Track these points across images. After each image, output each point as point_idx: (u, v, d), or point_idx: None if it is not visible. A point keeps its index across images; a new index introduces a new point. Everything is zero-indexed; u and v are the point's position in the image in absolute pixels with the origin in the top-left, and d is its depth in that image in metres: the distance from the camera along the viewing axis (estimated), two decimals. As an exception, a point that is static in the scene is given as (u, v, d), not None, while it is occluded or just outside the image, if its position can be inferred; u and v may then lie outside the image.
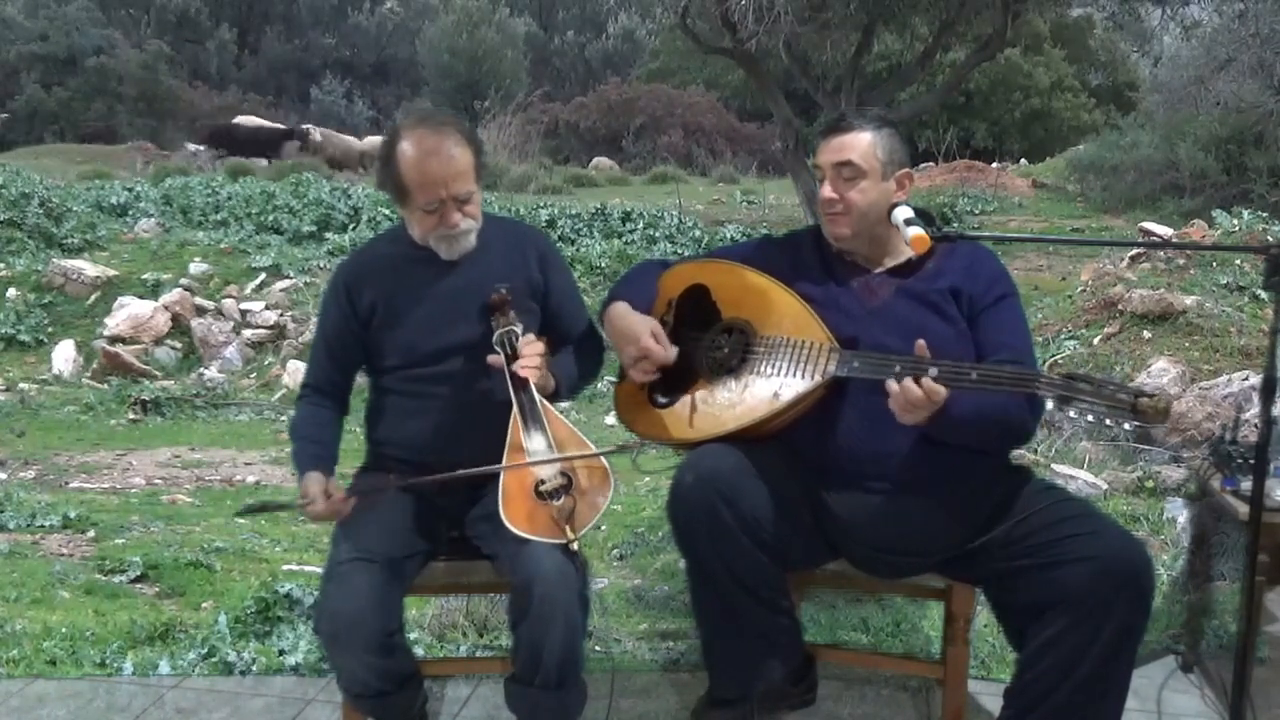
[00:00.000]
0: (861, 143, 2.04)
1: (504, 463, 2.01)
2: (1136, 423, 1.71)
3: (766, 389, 2.04)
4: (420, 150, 2.05)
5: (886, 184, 2.06)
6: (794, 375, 2.02)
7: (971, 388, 1.83)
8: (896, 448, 1.99)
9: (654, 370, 2.13)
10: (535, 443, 2.01)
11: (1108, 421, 1.72)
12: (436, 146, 2.04)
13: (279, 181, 11.71)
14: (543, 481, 1.98)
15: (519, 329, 2.10)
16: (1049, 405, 1.91)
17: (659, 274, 2.29)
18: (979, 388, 1.82)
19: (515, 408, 2.04)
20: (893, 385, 1.84)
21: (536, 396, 2.05)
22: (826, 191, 2.08)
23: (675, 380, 2.16)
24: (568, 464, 2.01)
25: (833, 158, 2.07)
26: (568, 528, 1.92)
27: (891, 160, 2.06)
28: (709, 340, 2.16)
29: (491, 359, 2.08)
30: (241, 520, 4.28)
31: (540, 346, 2.10)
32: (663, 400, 2.16)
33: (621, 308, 2.17)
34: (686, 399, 2.13)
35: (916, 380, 1.81)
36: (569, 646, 1.92)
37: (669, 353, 2.11)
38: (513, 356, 2.07)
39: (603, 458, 2.02)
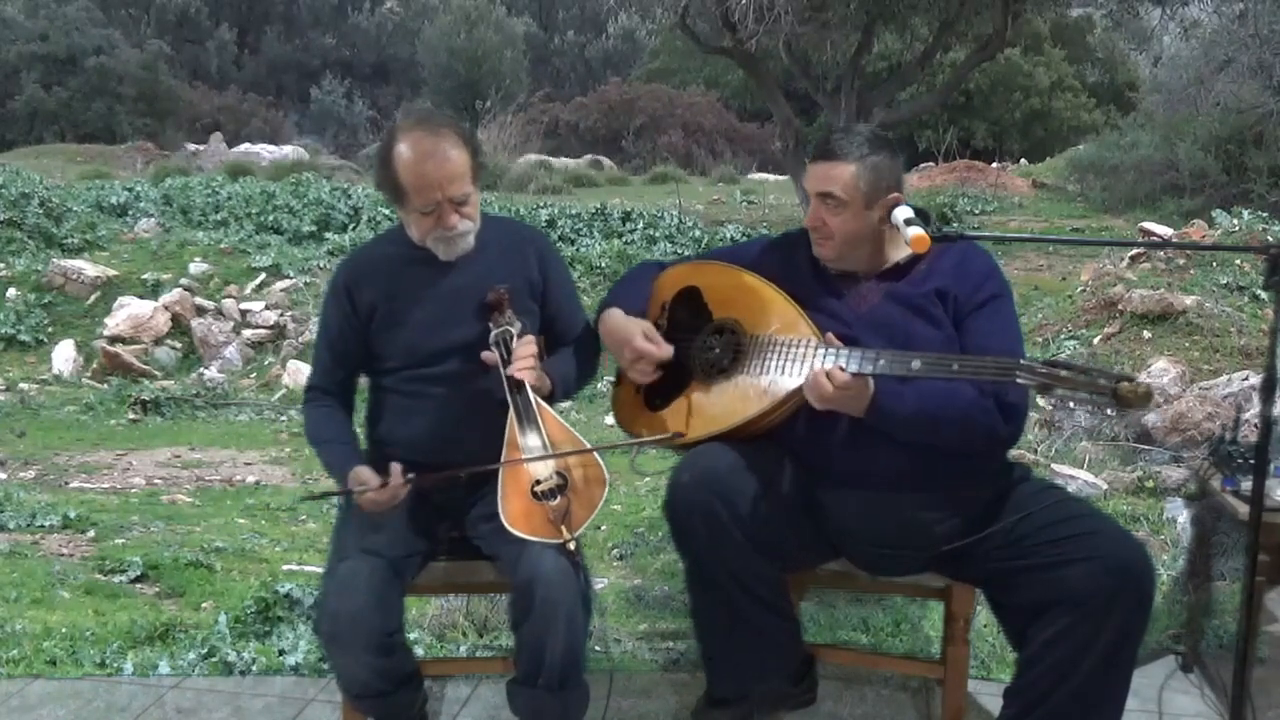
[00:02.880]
0: (844, 175, 2.03)
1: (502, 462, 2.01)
2: (1119, 408, 1.71)
3: (757, 387, 2.05)
4: (417, 152, 2.05)
5: (870, 212, 2.05)
6: (783, 373, 2.03)
7: (954, 378, 1.84)
8: (889, 444, 1.99)
9: (653, 370, 2.14)
10: (531, 443, 2.02)
11: (1090, 408, 1.72)
12: (433, 149, 2.04)
13: (279, 181, 11.70)
14: (538, 481, 1.99)
15: (515, 329, 2.10)
16: (1044, 404, 1.91)
17: (654, 277, 2.30)
18: (961, 378, 1.84)
19: (511, 408, 2.05)
20: (806, 378, 1.91)
21: (532, 397, 2.05)
22: (809, 219, 2.10)
23: (669, 382, 2.17)
24: (563, 464, 2.01)
25: (816, 187, 2.08)
26: (563, 528, 1.93)
27: (876, 189, 2.04)
28: (701, 341, 2.17)
29: (485, 355, 2.08)
30: (242, 520, 4.29)
31: (534, 347, 2.10)
32: (658, 402, 2.18)
33: (614, 313, 2.18)
34: (681, 400, 2.14)
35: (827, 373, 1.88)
36: (571, 647, 1.93)
37: (664, 350, 2.12)
38: (508, 356, 2.07)
39: (600, 459, 2.03)
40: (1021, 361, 1.78)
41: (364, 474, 2.01)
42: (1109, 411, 1.73)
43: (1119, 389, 1.66)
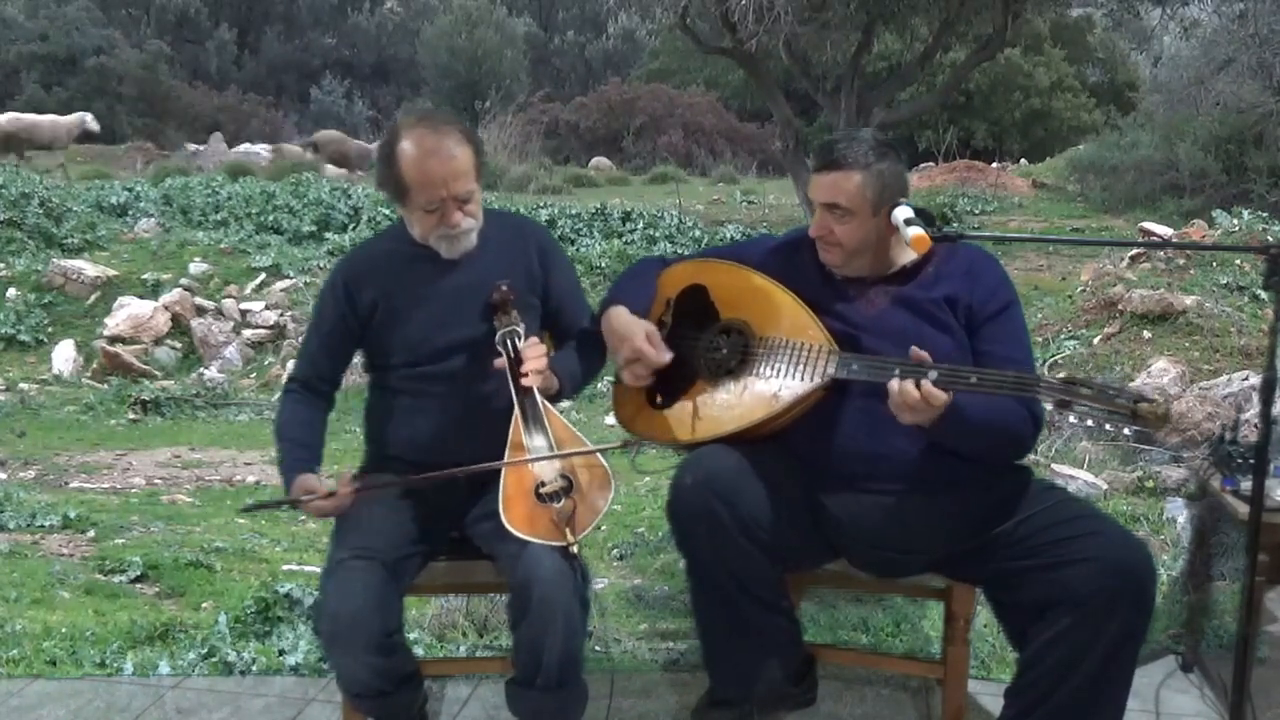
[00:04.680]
0: (850, 185, 2.02)
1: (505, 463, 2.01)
2: (1137, 428, 1.72)
3: (765, 390, 2.04)
4: (421, 150, 2.04)
5: (877, 219, 2.05)
6: (793, 377, 2.02)
7: (970, 391, 1.83)
8: (895, 450, 1.99)
9: (647, 374, 2.13)
10: (536, 444, 2.02)
11: (1107, 425, 1.73)
12: (437, 146, 2.04)
13: (279, 181, 11.70)
14: (543, 484, 1.98)
15: (521, 328, 2.10)
16: (1049, 407, 1.91)
17: (657, 273, 2.29)
18: (978, 391, 1.83)
19: (517, 409, 2.04)
20: (892, 384, 1.85)
21: (539, 398, 2.05)
22: (815, 229, 2.09)
23: (674, 381, 2.16)
24: (568, 466, 2.01)
25: (821, 197, 2.06)
26: (568, 530, 1.92)
27: (882, 197, 2.03)
28: (707, 341, 2.16)
29: (498, 362, 2.08)
30: (242, 520, 4.29)
31: (542, 349, 2.10)
32: (661, 401, 2.16)
33: (619, 311, 2.17)
34: (685, 400, 2.13)
35: (916, 383, 1.82)
36: (569, 647, 1.92)
37: (662, 356, 2.11)
38: (515, 357, 2.07)
39: (603, 460, 2.02)
40: (1042, 379, 1.79)
41: (309, 482, 2.03)
42: (1125, 431, 1.74)
43: (1138, 409, 1.67)
